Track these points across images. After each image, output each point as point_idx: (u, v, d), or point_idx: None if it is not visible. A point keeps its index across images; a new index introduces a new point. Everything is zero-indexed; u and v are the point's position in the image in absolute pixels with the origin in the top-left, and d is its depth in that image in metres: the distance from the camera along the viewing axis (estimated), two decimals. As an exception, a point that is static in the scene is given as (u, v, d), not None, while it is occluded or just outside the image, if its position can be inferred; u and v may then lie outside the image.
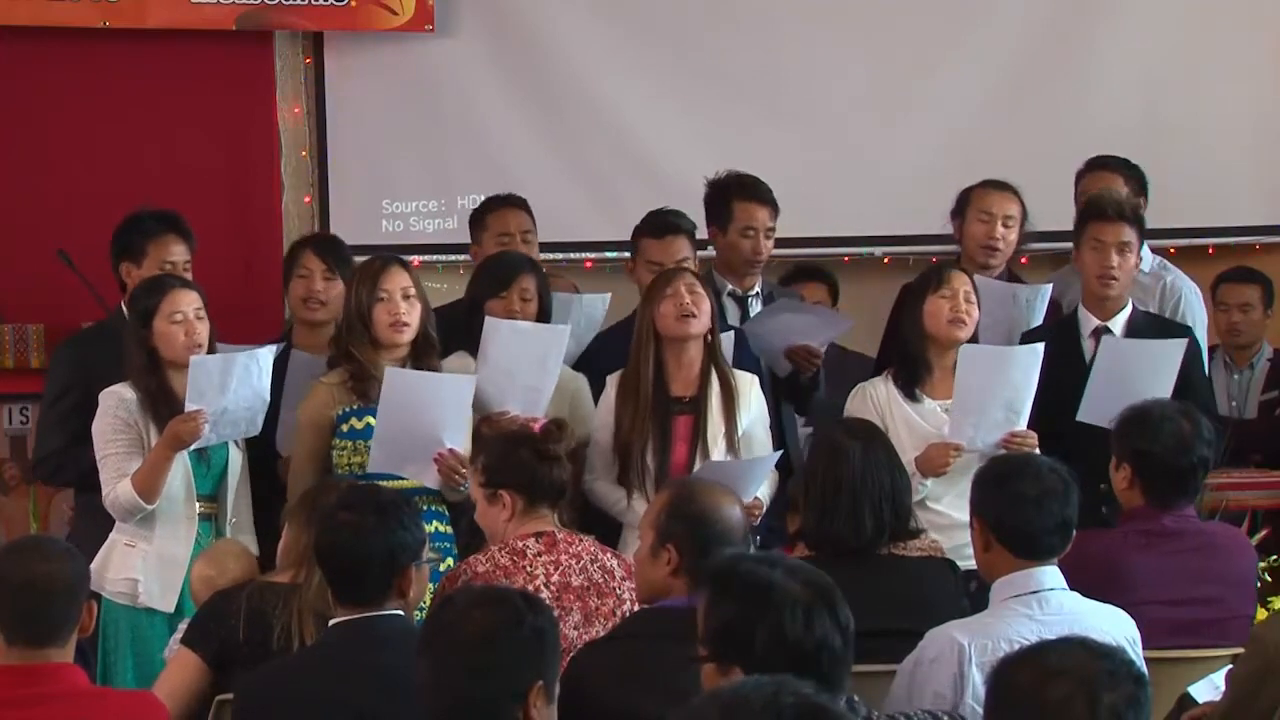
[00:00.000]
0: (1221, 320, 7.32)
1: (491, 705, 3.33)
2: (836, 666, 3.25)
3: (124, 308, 5.90)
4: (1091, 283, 6.11)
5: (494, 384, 5.69)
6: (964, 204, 6.54)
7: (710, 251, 6.58)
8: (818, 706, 2.51)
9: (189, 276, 5.92)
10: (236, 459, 5.57)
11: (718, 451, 5.66)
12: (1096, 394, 5.75)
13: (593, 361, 6.06)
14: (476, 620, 3.38)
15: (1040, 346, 5.78)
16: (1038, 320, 6.28)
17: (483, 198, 6.94)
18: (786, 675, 2.56)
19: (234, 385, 5.37)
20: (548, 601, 4.38)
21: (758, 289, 6.44)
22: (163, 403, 5.40)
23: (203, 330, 5.46)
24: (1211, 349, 7.27)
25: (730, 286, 6.40)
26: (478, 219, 6.64)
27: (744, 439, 5.73)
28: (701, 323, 5.69)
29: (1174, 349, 5.88)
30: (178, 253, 6.01)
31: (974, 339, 5.87)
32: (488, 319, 5.75)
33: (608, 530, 5.52)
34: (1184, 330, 6.25)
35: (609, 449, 5.74)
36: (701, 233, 6.45)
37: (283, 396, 5.74)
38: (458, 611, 3.43)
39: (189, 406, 5.32)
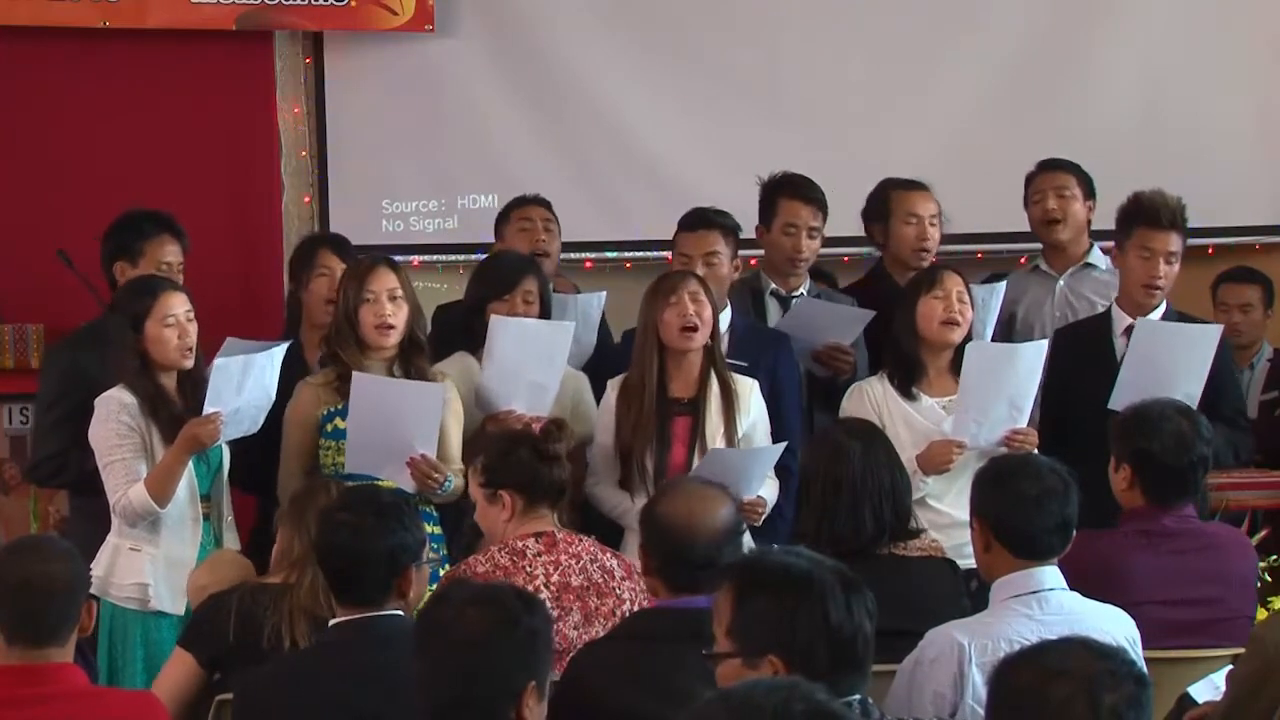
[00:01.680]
0: (1222, 320, 7.31)
1: (485, 705, 3.33)
2: (869, 654, 3.28)
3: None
4: (1135, 291, 6.10)
5: (500, 382, 5.70)
6: (883, 208, 6.57)
7: (760, 252, 6.59)
8: (829, 712, 2.50)
9: (181, 277, 5.93)
10: (226, 457, 5.56)
11: (717, 452, 5.65)
12: (1129, 380, 5.72)
13: (615, 365, 6.04)
14: (471, 621, 3.38)
15: (1044, 344, 5.78)
16: (992, 318, 6.28)
17: (482, 198, 6.94)
18: (799, 679, 2.56)
19: (249, 385, 5.38)
20: (547, 602, 4.39)
21: (803, 290, 6.43)
22: (161, 404, 5.40)
23: (193, 332, 5.45)
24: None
25: (774, 286, 6.41)
26: (504, 215, 6.70)
27: (743, 441, 5.72)
28: (703, 334, 5.69)
29: (1210, 334, 5.90)
30: (172, 254, 6.00)
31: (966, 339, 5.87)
32: (494, 317, 5.75)
33: (609, 530, 5.52)
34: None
35: (610, 451, 5.73)
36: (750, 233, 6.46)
37: None
38: (453, 610, 3.43)
39: (208, 408, 5.31)
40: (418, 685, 3.42)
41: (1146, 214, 6.09)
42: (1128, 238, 6.10)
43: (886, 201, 6.58)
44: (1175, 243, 6.06)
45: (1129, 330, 6.08)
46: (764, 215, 6.44)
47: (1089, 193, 6.68)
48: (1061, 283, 6.67)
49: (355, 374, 5.48)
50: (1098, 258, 6.66)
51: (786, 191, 6.41)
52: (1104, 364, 5.94)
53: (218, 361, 5.34)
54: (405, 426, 5.46)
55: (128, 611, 5.36)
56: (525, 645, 3.37)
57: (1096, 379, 5.84)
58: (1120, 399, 5.64)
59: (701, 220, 6.21)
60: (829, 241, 6.62)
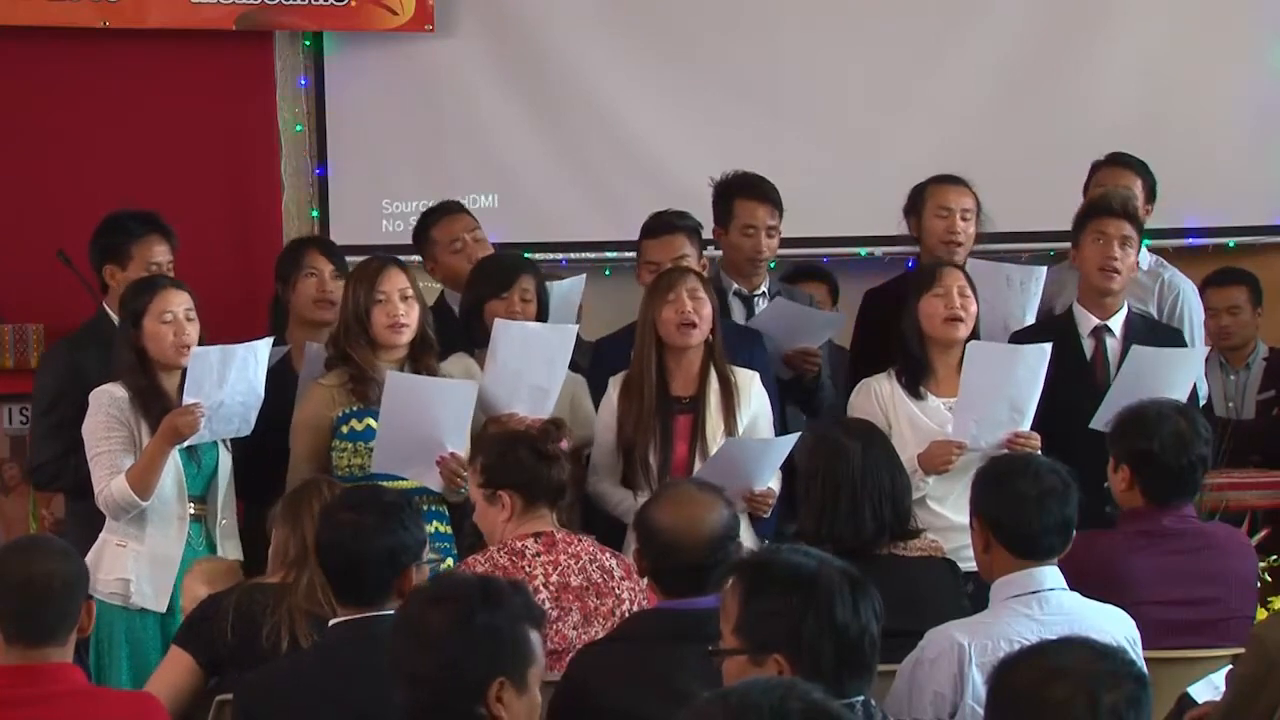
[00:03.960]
0: (1211, 324, 7.27)
1: (444, 704, 3.25)
2: (875, 655, 3.29)
3: (107, 309, 5.89)
4: (1093, 275, 6.09)
5: (502, 385, 5.69)
6: (918, 201, 6.51)
7: (719, 252, 6.56)
8: (827, 711, 2.50)
9: (172, 275, 5.91)
10: (226, 461, 5.55)
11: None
12: (1116, 402, 5.69)
13: (602, 363, 6.04)
14: (427, 619, 3.30)
15: (1048, 347, 5.76)
16: (1034, 304, 6.27)
17: (482, 198, 6.92)
18: (797, 678, 2.56)
19: (231, 379, 5.36)
20: (545, 602, 4.39)
21: (764, 288, 6.43)
22: (154, 401, 5.39)
23: (192, 331, 5.44)
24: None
25: (736, 286, 6.40)
26: (423, 234, 6.58)
27: (747, 434, 5.71)
28: (703, 330, 5.69)
29: (1196, 358, 5.93)
30: (161, 253, 5.96)
31: (975, 330, 5.86)
32: (497, 320, 5.75)
33: (610, 530, 5.51)
34: (1177, 334, 6.28)
35: (612, 450, 5.73)
36: (709, 233, 6.45)
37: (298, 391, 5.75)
38: (417, 607, 3.37)
39: (187, 399, 5.31)
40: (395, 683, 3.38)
41: (1097, 206, 6.18)
42: (1082, 232, 6.12)
43: (921, 194, 6.52)
44: (1127, 229, 6.06)
45: (1096, 331, 6.09)
46: (720, 217, 6.41)
47: (1151, 195, 6.64)
48: None
49: (390, 372, 5.49)
50: (1143, 257, 6.58)
51: (742, 192, 6.38)
52: (1075, 365, 5.94)
53: (195, 349, 5.34)
54: (438, 424, 5.46)
55: (113, 608, 5.34)
56: (483, 643, 3.25)
57: (1068, 381, 5.83)
58: (1104, 419, 5.63)
59: (666, 226, 6.22)
60: (834, 242, 6.62)
